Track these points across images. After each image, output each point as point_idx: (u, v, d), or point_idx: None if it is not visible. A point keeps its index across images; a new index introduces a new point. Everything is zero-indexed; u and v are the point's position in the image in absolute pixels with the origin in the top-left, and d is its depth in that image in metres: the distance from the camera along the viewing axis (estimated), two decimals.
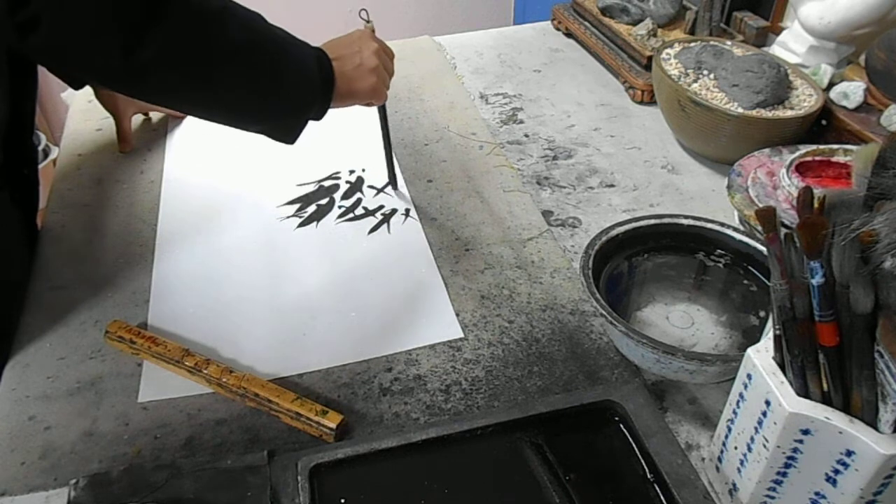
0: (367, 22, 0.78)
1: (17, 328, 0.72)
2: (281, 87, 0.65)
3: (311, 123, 0.70)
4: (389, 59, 0.76)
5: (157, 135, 1.02)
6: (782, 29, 1.06)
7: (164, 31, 0.55)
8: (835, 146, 0.82)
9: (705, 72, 0.94)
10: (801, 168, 0.80)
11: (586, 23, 1.23)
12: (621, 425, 0.61)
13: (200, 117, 0.68)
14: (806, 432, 0.46)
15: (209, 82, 0.61)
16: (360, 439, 0.60)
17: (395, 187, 0.92)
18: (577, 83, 1.16)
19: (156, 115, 1.06)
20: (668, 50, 0.99)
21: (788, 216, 0.73)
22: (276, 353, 0.69)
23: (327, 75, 0.68)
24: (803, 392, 0.47)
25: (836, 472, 0.46)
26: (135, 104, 0.99)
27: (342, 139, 1.01)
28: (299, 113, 0.68)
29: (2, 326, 0.72)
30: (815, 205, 0.46)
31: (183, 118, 1.05)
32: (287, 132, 0.68)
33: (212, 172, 0.94)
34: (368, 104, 0.76)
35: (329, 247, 0.82)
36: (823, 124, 0.92)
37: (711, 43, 0.99)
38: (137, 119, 1.03)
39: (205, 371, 0.65)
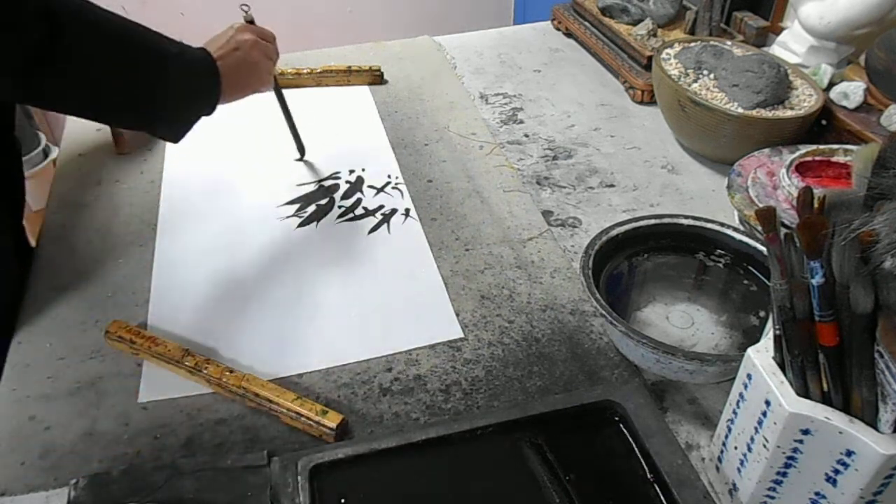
0: (246, 12, 0.81)
1: (15, 327, 0.72)
2: (175, 94, 0.69)
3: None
4: (271, 42, 0.80)
5: None
6: (782, 29, 1.06)
7: (56, 68, 0.59)
8: (835, 146, 0.82)
9: (705, 72, 0.94)
10: (801, 168, 0.80)
11: (586, 23, 1.23)
12: (621, 425, 0.61)
13: (99, 122, 0.74)
14: (806, 432, 0.46)
15: (101, 101, 0.65)
16: (360, 439, 0.60)
17: (302, 156, 0.95)
18: (577, 83, 1.16)
19: None
20: (668, 50, 0.99)
21: (788, 216, 0.73)
22: (276, 353, 0.69)
23: (213, 77, 0.71)
24: (803, 392, 0.47)
25: (836, 472, 0.46)
26: None
27: (342, 139, 1.01)
28: (189, 116, 0.71)
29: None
30: (815, 205, 0.46)
31: None
32: (177, 133, 0.71)
33: (212, 172, 0.94)
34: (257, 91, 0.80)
35: (329, 247, 0.82)
36: (823, 124, 0.92)
37: (711, 43, 0.99)
38: None
39: (205, 371, 0.65)
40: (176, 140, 0.71)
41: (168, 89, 0.67)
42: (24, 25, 0.56)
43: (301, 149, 0.95)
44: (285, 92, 0.91)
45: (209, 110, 0.72)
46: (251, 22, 0.80)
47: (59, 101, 0.64)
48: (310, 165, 0.95)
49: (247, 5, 0.81)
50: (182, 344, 0.68)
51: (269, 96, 1.09)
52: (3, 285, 0.76)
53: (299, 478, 0.56)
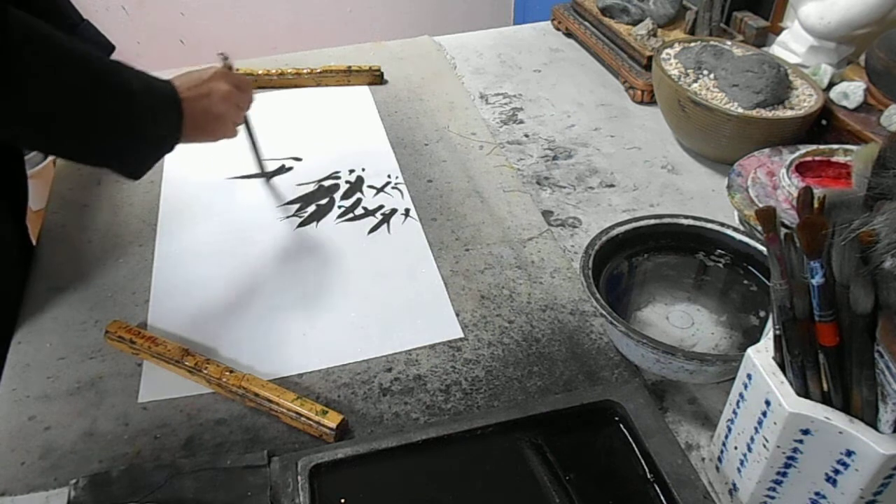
0: (225, 59, 0.78)
1: (15, 327, 0.72)
2: (134, 129, 0.65)
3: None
4: (245, 91, 0.76)
5: None
6: (782, 29, 1.06)
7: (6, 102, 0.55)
8: (835, 146, 0.82)
9: (705, 72, 0.94)
10: (801, 168, 0.80)
11: (586, 23, 1.23)
12: (621, 425, 0.61)
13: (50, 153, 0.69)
14: (806, 432, 0.46)
15: (52, 128, 0.60)
16: (360, 439, 0.60)
17: (265, 176, 0.92)
18: (577, 83, 1.16)
19: None
20: (668, 50, 0.99)
21: (788, 216, 0.73)
22: (276, 353, 0.69)
23: (177, 117, 0.68)
24: (803, 392, 0.47)
25: (836, 472, 0.46)
26: None
27: (342, 139, 1.01)
28: (149, 153, 0.68)
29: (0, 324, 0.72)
30: (815, 205, 0.46)
31: None
32: (134, 170, 0.68)
33: (211, 172, 0.94)
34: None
35: (329, 247, 0.82)
36: (823, 124, 0.92)
37: (711, 43, 0.99)
38: None
39: (205, 371, 0.65)
40: (135, 177, 0.67)
41: (128, 123, 0.64)
42: None
43: (263, 174, 0.91)
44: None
45: (167, 149, 0.69)
46: (230, 68, 0.77)
47: (5, 127, 0.58)
48: (310, 165, 0.95)
49: (225, 54, 0.78)
50: (182, 344, 0.68)
51: (274, 96, 1.10)
52: (6, 284, 0.76)
53: (299, 478, 0.56)
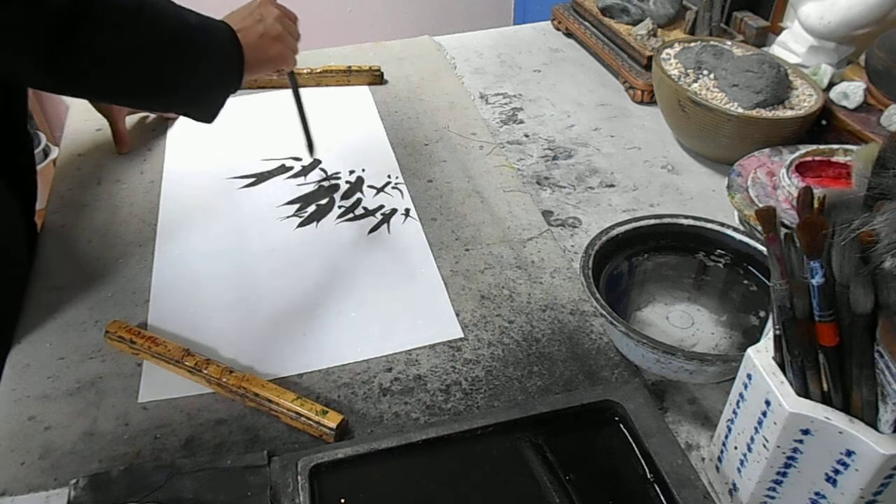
0: None
1: (16, 327, 0.72)
2: (201, 72, 0.67)
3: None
4: (293, 22, 0.78)
5: (156, 135, 1.02)
6: (782, 29, 1.06)
7: (79, 44, 0.57)
8: (835, 146, 0.82)
9: (705, 72, 0.94)
10: (801, 168, 0.80)
11: (586, 23, 1.23)
12: (621, 425, 0.61)
13: (124, 105, 0.79)
14: (806, 432, 0.46)
15: (130, 80, 0.63)
16: (360, 439, 0.60)
17: (311, 153, 0.93)
18: (577, 83, 1.16)
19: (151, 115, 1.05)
20: (668, 50, 0.99)
21: (788, 216, 0.73)
22: (276, 353, 0.69)
23: (237, 50, 0.70)
24: (803, 392, 0.47)
25: (836, 472, 0.46)
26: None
27: (342, 139, 1.01)
28: (219, 92, 0.69)
29: (1, 324, 0.72)
30: (815, 205, 0.46)
31: (178, 117, 1.04)
32: (207, 112, 0.70)
33: (212, 172, 0.94)
34: (279, 71, 0.79)
35: (329, 247, 0.82)
36: (823, 124, 0.92)
37: (711, 43, 0.99)
38: (132, 118, 1.03)
39: (205, 371, 0.65)
40: (208, 120, 0.69)
41: (191, 64, 0.65)
42: None
43: (310, 144, 0.92)
44: (292, 90, 0.88)
45: (235, 85, 0.70)
46: None
47: (79, 81, 0.60)
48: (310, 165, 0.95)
49: None
50: (182, 344, 0.68)
51: (274, 96, 1.10)
52: (15, 279, 0.76)
53: (299, 478, 0.56)
